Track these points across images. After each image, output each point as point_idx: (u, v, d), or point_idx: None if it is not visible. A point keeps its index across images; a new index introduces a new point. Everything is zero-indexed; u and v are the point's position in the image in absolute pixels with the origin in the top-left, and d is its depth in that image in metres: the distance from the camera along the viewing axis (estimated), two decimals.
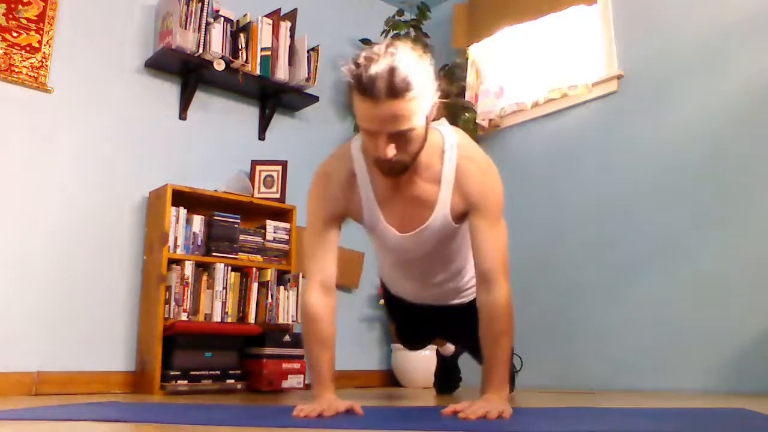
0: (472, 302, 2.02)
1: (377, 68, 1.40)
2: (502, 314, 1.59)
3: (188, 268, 2.85)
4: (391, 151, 1.47)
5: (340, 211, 1.70)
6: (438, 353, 2.72)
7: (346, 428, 1.27)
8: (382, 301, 2.49)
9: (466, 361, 2.55)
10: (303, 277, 3.20)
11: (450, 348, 2.64)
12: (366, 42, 3.82)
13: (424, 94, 1.46)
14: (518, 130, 3.61)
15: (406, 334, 2.40)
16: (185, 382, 2.71)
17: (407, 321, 2.32)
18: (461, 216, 1.68)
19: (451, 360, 2.69)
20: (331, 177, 1.69)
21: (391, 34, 3.72)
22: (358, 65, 1.43)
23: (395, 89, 1.40)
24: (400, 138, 1.47)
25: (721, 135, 2.75)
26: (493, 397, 1.51)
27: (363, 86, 1.41)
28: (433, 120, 1.58)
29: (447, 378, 2.66)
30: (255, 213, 3.26)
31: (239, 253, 3.06)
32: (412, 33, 3.73)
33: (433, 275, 1.96)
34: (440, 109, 1.57)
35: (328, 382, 1.63)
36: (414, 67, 1.44)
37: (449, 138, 1.64)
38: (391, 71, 1.40)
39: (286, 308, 3.12)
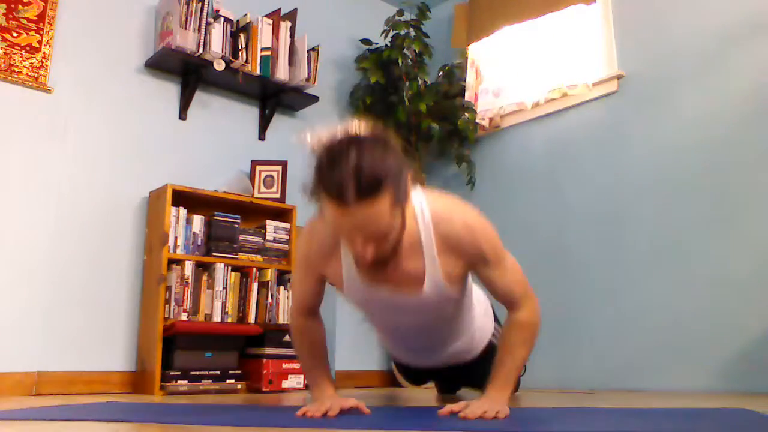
0: (483, 353, 2.02)
1: (342, 170, 1.26)
2: (523, 326, 1.57)
3: (188, 268, 2.85)
4: (369, 252, 1.37)
5: (321, 274, 1.65)
6: None
7: (346, 428, 1.27)
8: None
9: None
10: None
11: None
12: (366, 42, 3.82)
13: (396, 181, 1.32)
14: (518, 130, 3.61)
15: (410, 377, 2.39)
16: (185, 382, 2.71)
17: (412, 370, 2.28)
18: (460, 277, 1.62)
19: None
20: (313, 239, 1.62)
21: (391, 34, 3.72)
22: (321, 165, 1.31)
23: (365, 191, 1.26)
24: (378, 237, 1.37)
25: (722, 135, 2.75)
26: (495, 395, 1.49)
27: (330, 190, 1.29)
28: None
29: None
30: (255, 213, 3.25)
31: (239, 253, 3.06)
32: (412, 33, 3.73)
33: (441, 342, 1.93)
34: (414, 176, 1.44)
35: (326, 382, 1.64)
36: (380, 157, 1.30)
37: (419, 205, 1.53)
38: (358, 171, 1.26)
39: (286, 308, 3.11)
